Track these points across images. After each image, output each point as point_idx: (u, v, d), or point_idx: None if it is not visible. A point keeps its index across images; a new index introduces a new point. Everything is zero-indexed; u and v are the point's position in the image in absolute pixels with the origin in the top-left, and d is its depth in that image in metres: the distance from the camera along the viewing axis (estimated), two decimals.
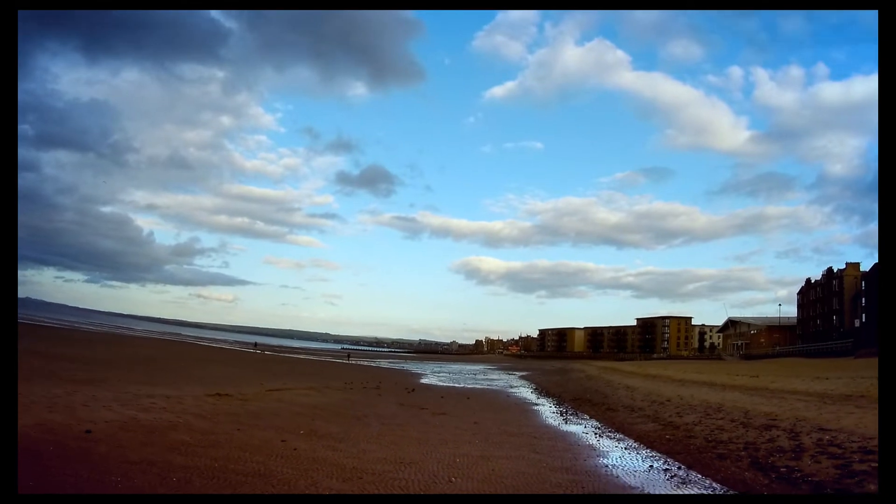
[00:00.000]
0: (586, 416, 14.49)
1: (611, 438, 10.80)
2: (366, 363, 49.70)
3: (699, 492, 6.85)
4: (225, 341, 76.74)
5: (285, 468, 7.01)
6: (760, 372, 28.13)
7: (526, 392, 23.67)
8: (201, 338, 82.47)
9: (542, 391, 24.13)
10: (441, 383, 27.26)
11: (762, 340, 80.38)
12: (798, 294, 77.14)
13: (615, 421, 13.31)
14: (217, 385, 16.61)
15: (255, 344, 67.88)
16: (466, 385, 26.73)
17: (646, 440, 10.51)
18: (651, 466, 8.10)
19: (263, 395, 15.22)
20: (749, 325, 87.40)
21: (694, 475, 7.59)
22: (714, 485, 7.15)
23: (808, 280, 74.69)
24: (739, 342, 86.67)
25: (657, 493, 6.79)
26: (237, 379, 19.86)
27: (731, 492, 6.81)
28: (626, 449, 9.59)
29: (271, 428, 9.93)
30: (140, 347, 35.83)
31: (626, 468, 7.95)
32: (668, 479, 7.36)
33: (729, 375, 26.12)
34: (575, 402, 18.51)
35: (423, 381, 28.71)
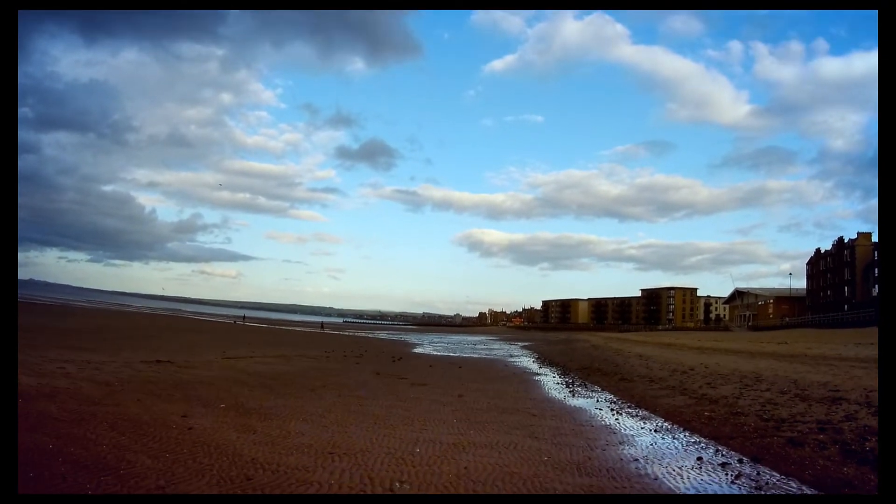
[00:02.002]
0: (597, 388, 12.03)
1: (632, 416, 8.31)
2: (363, 334, 47.65)
3: None
4: (222, 315, 75.02)
5: (146, 457, 4.61)
6: (787, 339, 25.67)
7: (527, 361, 21.30)
8: (199, 313, 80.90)
9: (545, 360, 21.75)
10: (434, 353, 24.94)
11: (770, 311, 78.22)
12: (807, 264, 74.49)
13: (633, 394, 10.84)
14: (168, 353, 14.33)
15: (243, 317, 66.18)
16: (462, 354, 24.39)
17: (678, 418, 8.02)
18: (700, 459, 5.59)
19: (215, 363, 12.87)
20: (756, 296, 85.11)
21: (767, 473, 5.08)
22: (803, 489, 4.67)
23: (818, 250, 71.92)
24: (746, 313, 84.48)
25: None
26: (199, 347, 17.54)
27: None
28: (655, 431, 7.09)
29: (186, 400, 7.58)
30: (114, 319, 33.75)
31: (664, 462, 5.44)
32: (732, 482, 4.85)
33: (752, 343, 23.67)
34: (582, 371, 16.07)
35: (416, 350, 26.42)
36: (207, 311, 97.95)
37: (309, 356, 16.95)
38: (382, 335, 49.83)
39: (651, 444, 6.22)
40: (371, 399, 8.67)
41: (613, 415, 8.32)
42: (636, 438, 6.54)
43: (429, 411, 7.76)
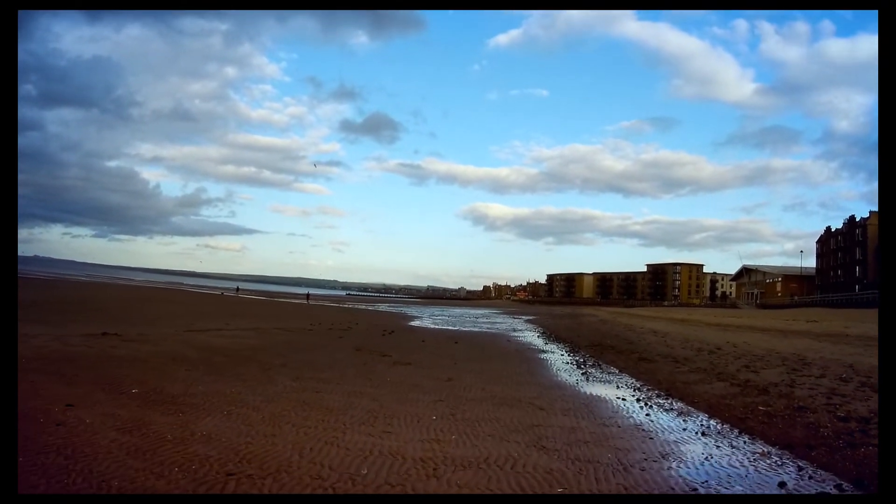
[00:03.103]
0: (614, 370, 10.25)
1: (666, 410, 6.51)
2: (362, 307, 46.23)
3: None
4: (220, 287, 73.64)
5: None
6: (808, 317, 23.79)
7: (531, 336, 19.59)
8: (199, 286, 79.70)
9: (551, 336, 20.04)
10: (432, 326, 23.27)
11: (778, 290, 76.26)
12: (817, 243, 72.09)
13: (659, 377, 9.06)
14: (127, 325, 12.76)
15: (237, 288, 65.66)
16: (461, 328, 22.70)
17: (727, 414, 6.22)
18: (782, 485, 3.80)
19: (171, 336, 11.21)
20: (765, 273, 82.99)
21: None
22: None
23: (828, 229, 69.39)
24: (754, 291, 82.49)
25: None
26: (168, 318, 15.94)
27: None
28: (703, 434, 5.29)
29: (94, 382, 5.96)
30: (98, 291, 32.43)
31: (736, 492, 3.65)
32: None
33: (776, 320, 21.82)
34: (593, 348, 14.32)
35: (413, 323, 24.78)
36: (209, 284, 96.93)
37: (288, 329, 15.30)
38: (382, 307, 48.38)
39: (705, 458, 4.42)
40: (335, 384, 6.92)
41: (642, 408, 6.53)
42: (682, 447, 4.74)
43: (403, 402, 5.99)
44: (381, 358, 9.97)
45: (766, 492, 3.71)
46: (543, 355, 12.60)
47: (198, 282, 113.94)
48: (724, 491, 3.66)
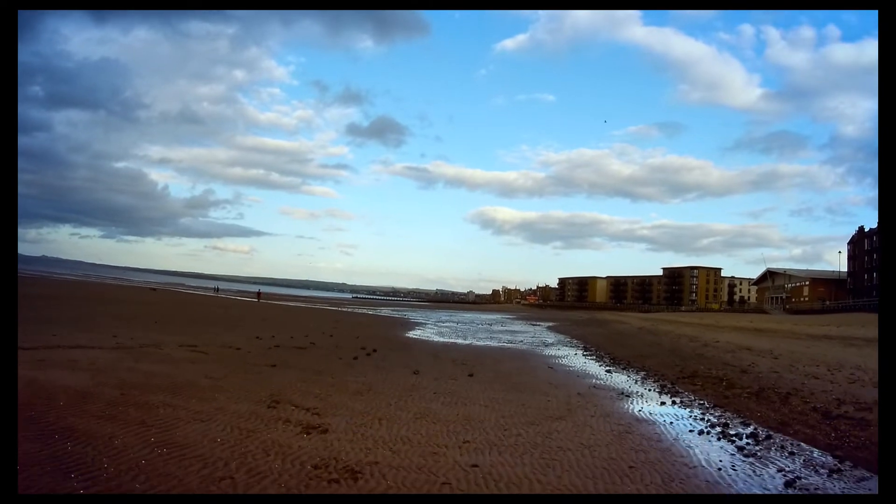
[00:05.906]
0: (816, 453, 4.76)
1: None
2: (362, 310, 41.09)
3: None
4: (205, 288, 68.75)
5: None
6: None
7: (575, 355, 14.10)
8: (198, 287, 74.88)
9: (601, 354, 14.53)
10: (436, 339, 17.79)
11: (805, 294, 70.25)
12: (848, 244, 65.90)
13: None
14: None
15: (216, 289, 62.19)
16: (474, 342, 17.20)
17: None
18: None
19: None
20: (790, 277, 76.86)
21: None
22: None
23: (861, 228, 63.36)
24: (780, 295, 76.39)
25: None
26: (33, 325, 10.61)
27: None
28: None
29: None
30: (53, 288, 27.40)
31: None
32: None
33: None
34: (695, 384, 8.80)
35: (412, 333, 19.36)
36: (209, 286, 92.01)
37: (203, 345, 9.89)
38: (384, 311, 43.18)
39: None
40: None
41: None
42: None
43: None
44: (296, 440, 4.50)
45: None
46: (631, 405, 7.04)
47: (201, 283, 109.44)
48: None
